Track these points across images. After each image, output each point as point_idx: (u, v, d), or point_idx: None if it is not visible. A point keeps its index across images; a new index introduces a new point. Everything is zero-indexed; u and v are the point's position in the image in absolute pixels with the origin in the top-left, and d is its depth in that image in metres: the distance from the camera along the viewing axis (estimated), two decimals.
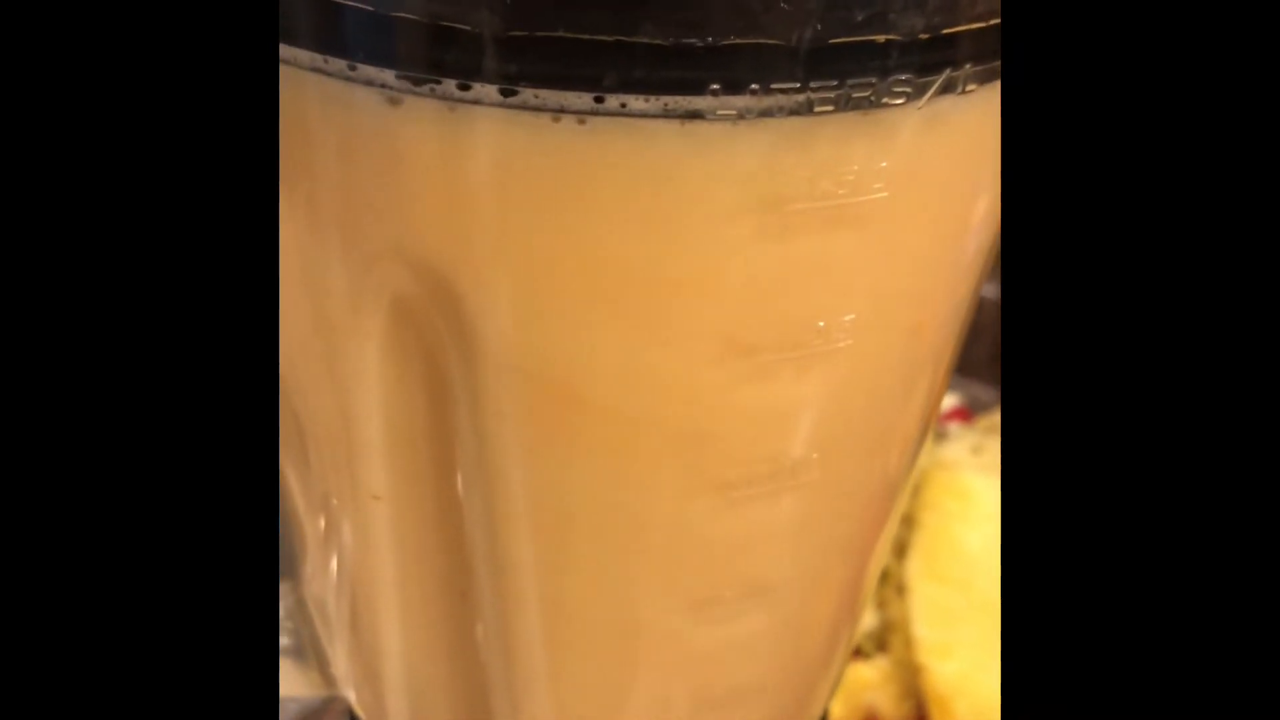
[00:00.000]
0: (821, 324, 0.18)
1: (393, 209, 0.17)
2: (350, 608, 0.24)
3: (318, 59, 0.16)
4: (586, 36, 0.15)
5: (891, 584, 0.49)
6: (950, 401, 0.61)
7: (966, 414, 0.61)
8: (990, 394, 0.63)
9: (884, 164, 0.16)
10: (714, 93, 0.15)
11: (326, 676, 0.26)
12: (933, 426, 0.24)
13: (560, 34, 0.15)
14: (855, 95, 0.15)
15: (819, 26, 0.15)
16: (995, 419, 0.59)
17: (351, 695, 0.26)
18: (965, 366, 0.69)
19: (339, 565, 0.23)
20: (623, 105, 0.15)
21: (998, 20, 0.16)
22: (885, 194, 0.17)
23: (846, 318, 0.18)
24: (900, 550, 0.50)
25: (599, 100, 0.15)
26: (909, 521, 0.51)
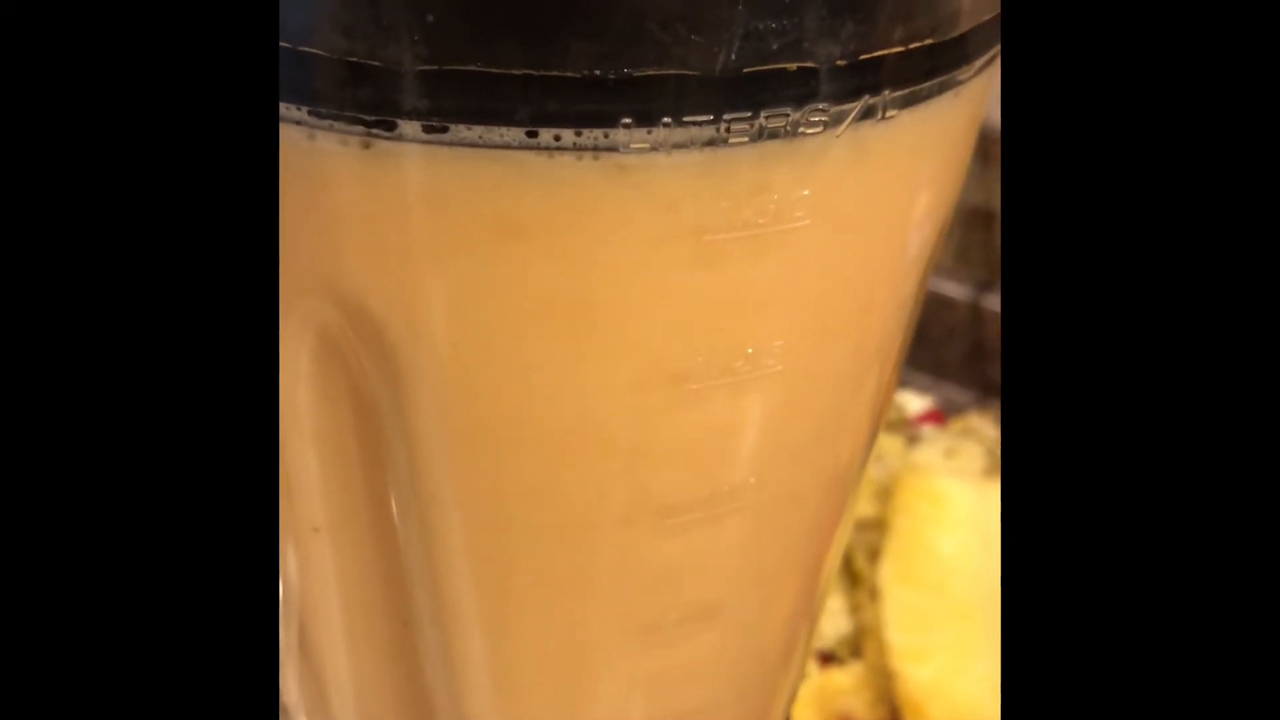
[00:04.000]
0: (750, 350, 0.18)
1: (313, 246, 0.17)
2: (298, 637, 0.23)
3: None
4: (498, 70, 0.14)
5: (864, 589, 0.49)
6: (923, 404, 0.61)
7: (940, 417, 0.61)
8: (964, 396, 0.63)
9: (805, 192, 0.16)
10: (626, 126, 0.15)
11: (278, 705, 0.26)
12: (879, 431, 0.24)
13: (471, 68, 0.14)
14: (771, 125, 0.15)
15: (732, 56, 0.15)
16: (968, 422, 0.59)
17: None
18: (938, 369, 0.69)
19: (285, 595, 0.23)
20: (539, 139, 0.15)
21: (919, 44, 0.16)
22: (808, 222, 0.16)
23: (776, 343, 0.18)
24: (873, 554, 0.50)
25: (513, 135, 0.15)
26: (882, 525, 0.51)
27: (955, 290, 0.62)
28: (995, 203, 0.63)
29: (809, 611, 0.25)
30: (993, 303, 0.63)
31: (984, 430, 0.59)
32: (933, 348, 0.64)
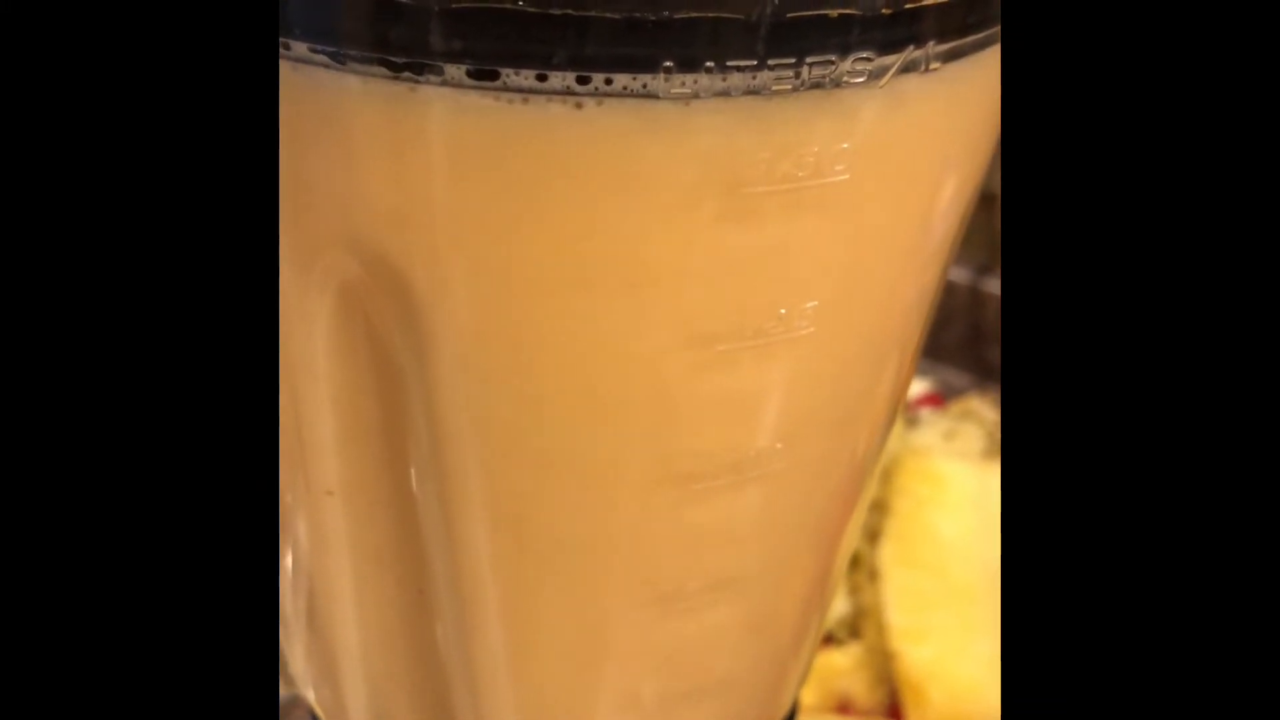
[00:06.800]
0: (783, 311, 0.17)
1: (339, 195, 0.16)
2: (307, 606, 0.23)
3: None
4: (535, 10, 0.14)
5: (864, 570, 0.49)
6: (922, 387, 0.61)
7: (939, 399, 0.61)
8: (962, 379, 0.63)
9: (845, 145, 0.16)
10: (668, 70, 0.14)
11: (285, 676, 0.25)
12: (901, 411, 0.24)
13: (507, 6, 0.14)
14: (814, 74, 0.15)
15: (776, 0, 0.14)
16: (967, 404, 0.59)
17: (311, 695, 0.25)
18: (937, 352, 0.69)
19: (294, 562, 0.22)
20: (574, 84, 0.15)
21: None
22: (847, 176, 0.16)
23: (809, 304, 0.17)
24: (873, 536, 0.50)
25: (549, 79, 0.15)
26: (881, 507, 0.51)
27: (954, 273, 0.62)
28: (996, 185, 0.63)
29: (823, 594, 0.25)
30: (992, 286, 0.63)
31: (983, 413, 0.58)
32: (932, 330, 0.64)
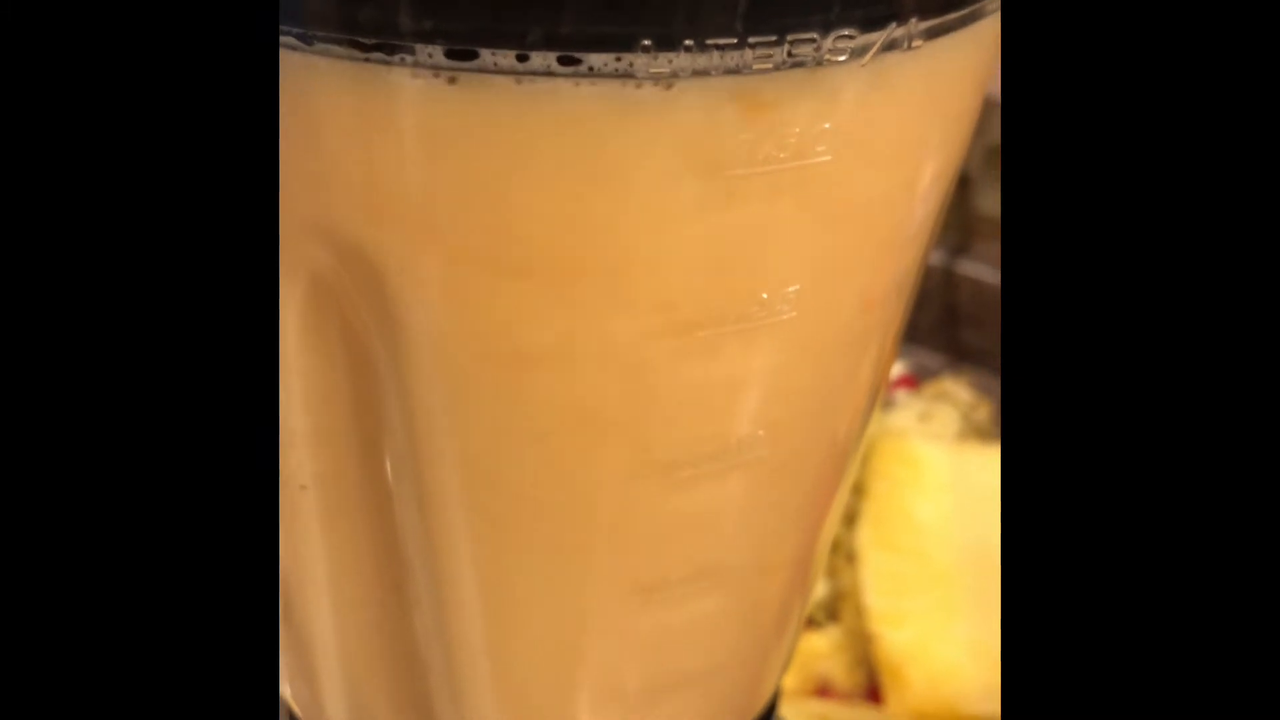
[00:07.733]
0: (765, 295, 0.17)
1: (306, 185, 0.16)
2: (282, 601, 0.22)
3: None
4: None
5: (842, 552, 0.49)
6: (897, 369, 0.61)
7: (913, 381, 0.61)
8: (937, 361, 0.63)
9: (827, 125, 0.15)
10: (645, 49, 0.14)
11: None
12: (881, 395, 0.23)
13: None
14: (796, 52, 0.15)
15: None
16: (942, 386, 0.59)
17: (287, 691, 0.25)
18: (912, 334, 0.69)
19: None
20: (551, 64, 0.14)
21: None
22: (829, 157, 0.16)
23: (790, 288, 0.17)
24: (850, 519, 0.50)
25: (524, 59, 0.14)
26: (858, 490, 0.51)
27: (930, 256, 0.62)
28: (970, 166, 0.63)
29: (805, 581, 0.25)
30: (966, 267, 0.63)
31: (957, 394, 0.59)
32: None
